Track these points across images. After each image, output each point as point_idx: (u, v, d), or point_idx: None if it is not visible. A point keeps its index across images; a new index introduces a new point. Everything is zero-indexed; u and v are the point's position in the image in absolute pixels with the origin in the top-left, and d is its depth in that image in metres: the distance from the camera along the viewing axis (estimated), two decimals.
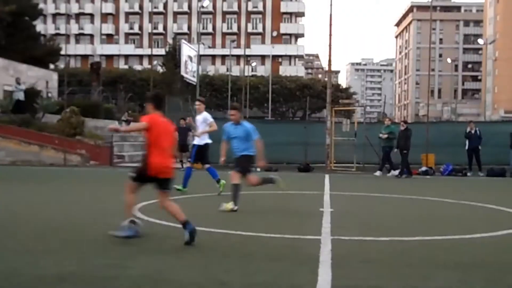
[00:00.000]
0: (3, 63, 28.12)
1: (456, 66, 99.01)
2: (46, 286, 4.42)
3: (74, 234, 6.61)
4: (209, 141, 11.56)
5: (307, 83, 64.92)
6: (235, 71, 65.14)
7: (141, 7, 78.16)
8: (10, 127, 23.23)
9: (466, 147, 19.73)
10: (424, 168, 19.86)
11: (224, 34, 76.72)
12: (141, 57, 76.66)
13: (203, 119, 11.40)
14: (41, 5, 41.19)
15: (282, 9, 77.46)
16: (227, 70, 58.33)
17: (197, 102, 12.22)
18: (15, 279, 4.53)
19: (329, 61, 23.82)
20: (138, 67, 66.86)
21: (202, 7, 52.76)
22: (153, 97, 6.50)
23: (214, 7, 75.76)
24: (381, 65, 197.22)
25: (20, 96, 25.63)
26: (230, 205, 8.72)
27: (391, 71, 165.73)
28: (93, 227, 7.05)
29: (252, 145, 9.06)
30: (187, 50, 41.01)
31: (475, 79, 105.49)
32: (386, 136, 18.77)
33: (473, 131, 19.70)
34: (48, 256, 5.39)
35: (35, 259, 5.24)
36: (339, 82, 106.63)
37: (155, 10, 72.27)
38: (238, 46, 69.14)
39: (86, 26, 79.56)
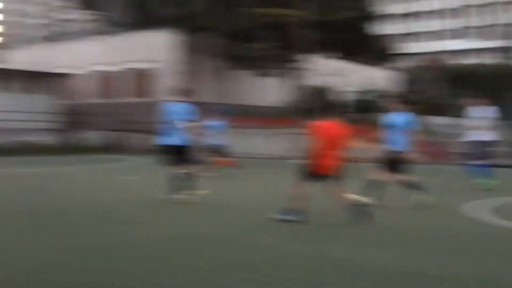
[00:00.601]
0: (350, 66, 29.71)
1: None
2: None
3: None
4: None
5: None
6: None
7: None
8: (359, 127, 24.41)
9: None
10: None
11: None
12: (487, 50, 72.20)
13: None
14: (384, 8, 42.23)
15: None
16: None
17: None
18: None
19: None
20: (485, 61, 63.08)
21: None
22: (325, 104, 6.90)
23: None
24: None
25: (360, 96, 26.77)
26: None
27: None
28: None
29: None
30: None
31: None
32: None
33: None
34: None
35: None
36: None
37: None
38: None
39: (429, 24, 78.85)
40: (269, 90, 35.42)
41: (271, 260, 5.40)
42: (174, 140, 9.48)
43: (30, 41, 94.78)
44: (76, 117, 31.26)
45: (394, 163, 8.94)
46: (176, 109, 9.74)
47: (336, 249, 5.95)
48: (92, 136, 31.12)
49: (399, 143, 8.94)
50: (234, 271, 4.96)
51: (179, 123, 9.49)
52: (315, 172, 7.26)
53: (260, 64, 31.67)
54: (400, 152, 8.91)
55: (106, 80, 34.40)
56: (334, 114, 7.49)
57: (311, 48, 29.65)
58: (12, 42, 74.83)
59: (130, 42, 32.08)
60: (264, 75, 32.12)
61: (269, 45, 31.30)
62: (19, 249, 5.74)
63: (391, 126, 9.12)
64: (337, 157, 7.37)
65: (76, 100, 34.17)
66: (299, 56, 30.63)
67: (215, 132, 15.11)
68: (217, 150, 15.03)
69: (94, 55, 32.42)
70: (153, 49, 31.55)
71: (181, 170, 9.50)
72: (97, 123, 32.97)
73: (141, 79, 33.53)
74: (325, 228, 7.30)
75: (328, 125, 7.34)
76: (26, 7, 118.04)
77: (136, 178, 14.85)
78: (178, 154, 9.48)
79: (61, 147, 28.10)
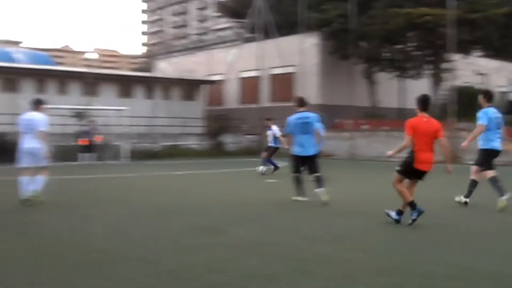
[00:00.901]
0: (497, 64, 28.12)
1: None
2: None
3: None
4: None
5: None
6: None
7: None
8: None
9: None
10: None
11: None
12: None
13: None
14: None
15: None
16: None
17: None
18: None
19: None
20: None
21: None
22: (418, 99, 7.70)
23: None
24: None
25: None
26: None
27: None
28: None
29: None
30: None
31: None
32: None
33: None
34: None
35: None
36: None
37: None
38: None
39: None
40: (411, 91, 34.43)
41: (409, 264, 5.34)
42: (308, 150, 10.02)
43: (174, 50, 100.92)
44: (221, 122, 32.73)
45: None
46: (303, 120, 10.17)
47: (476, 257, 5.72)
48: (237, 140, 32.39)
49: None
50: (377, 275, 4.98)
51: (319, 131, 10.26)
52: (414, 169, 7.44)
53: (404, 65, 30.93)
54: None
55: (248, 86, 35.64)
56: (427, 110, 7.63)
57: (458, 47, 28.35)
58: (157, 51, 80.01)
59: (271, 47, 32.91)
60: (408, 76, 31.30)
61: (413, 45, 30.47)
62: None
63: None
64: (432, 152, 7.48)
65: (221, 106, 35.80)
66: (445, 56, 29.45)
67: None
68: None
69: (236, 62, 33.73)
70: (293, 54, 32.10)
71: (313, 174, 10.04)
72: (241, 128, 34.28)
73: (281, 83, 34.29)
74: (447, 231, 7.05)
75: (420, 121, 7.49)
76: (168, 18, 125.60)
77: (276, 181, 15.25)
78: (309, 163, 10.07)
79: (209, 150, 29.59)
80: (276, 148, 17.56)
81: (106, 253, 5.84)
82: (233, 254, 5.83)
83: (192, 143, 30.72)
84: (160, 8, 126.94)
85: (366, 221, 8.06)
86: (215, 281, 4.78)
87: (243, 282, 4.78)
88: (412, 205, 7.41)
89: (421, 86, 32.76)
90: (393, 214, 7.62)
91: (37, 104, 10.06)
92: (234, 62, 33.73)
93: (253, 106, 32.70)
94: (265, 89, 34.21)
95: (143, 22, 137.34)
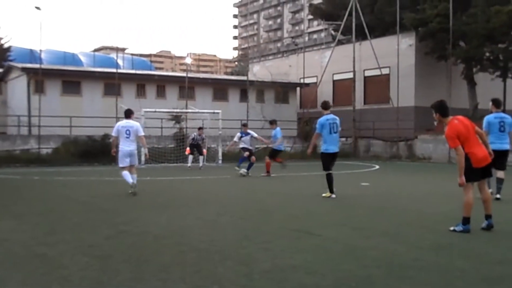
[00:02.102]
0: None
1: None
2: None
3: None
4: None
5: None
6: None
7: None
8: None
9: None
10: None
11: None
12: None
13: None
14: None
15: None
16: None
17: None
18: None
19: None
20: None
21: None
22: (437, 107, 7.30)
23: None
24: None
25: None
26: None
27: None
28: None
29: None
30: None
31: None
32: None
33: None
34: None
35: None
36: None
37: None
38: None
39: None
40: None
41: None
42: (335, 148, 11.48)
43: (267, 53, 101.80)
44: (312, 125, 32.60)
45: None
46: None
47: None
48: None
49: None
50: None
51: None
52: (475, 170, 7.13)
53: (507, 65, 29.38)
54: None
55: (341, 88, 35.29)
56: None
57: None
58: (251, 55, 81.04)
59: (365, 49, 32.40)
60: (510, 76, 29.71)
61: None
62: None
63: None
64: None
65: (314, 108, 35.69)
66: None
67: None
68: None
69: (330, 64, 33.48)
70: (388, 55, 31.43)
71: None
72: None
73: (375, 85, 33.66)
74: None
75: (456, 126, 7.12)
76: (260, 21, 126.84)
77: (368, 184, 14.99)
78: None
79: (302, 153, 29.58)
80: (279, 151, 18.44)
81: (201, 252, 5.98)
82: (327, 257, 5.78)
83: (285, 145, 30.83)
84: (254, 12, 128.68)
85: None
86: (308, 283, 4.76)
87: (336, 285, 4.72)
88: (466, 220, 7.17)
89: None
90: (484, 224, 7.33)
91: (130, 114, 11.96)
92: (327, 65, 33.51)
93: (347, 108, 32.34)
94: (359, 91, 33.72)
95: (235, 26, 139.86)
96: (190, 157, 21.77)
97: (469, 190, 7.17)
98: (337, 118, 11.47)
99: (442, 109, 7.30)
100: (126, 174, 11.49)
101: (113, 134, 11.92)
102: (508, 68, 29.45)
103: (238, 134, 19.04)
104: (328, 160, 11.34)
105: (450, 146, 7.14)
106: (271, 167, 17.71)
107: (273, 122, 18.67)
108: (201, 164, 21.61)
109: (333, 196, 11.12)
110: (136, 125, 11.87)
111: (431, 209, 9.71)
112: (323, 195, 11.24)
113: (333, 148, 11.36)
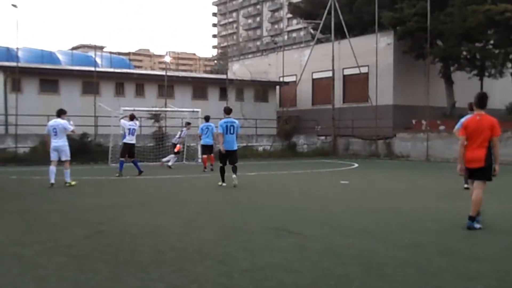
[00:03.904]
0: None
1: None
2: None
3: None
4: None
5: None
6: None
7: None
8: None
9: None
10: None
11: None
12: None
13: None
14: None
15: None
16: None
17: None
18: None
19: None
20: None
21: None
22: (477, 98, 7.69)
23: None
24: None
25: None
26: None
27: None
28: None
29: None
30: None
31: None
32: None
33: None
34: None
35: None
36: None
37: None
38: None
39: None
40: (492, 91, 33.12)
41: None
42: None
43: (247, 52, 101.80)
44: (293, 123, 32.71)
45: None
46: None
47: None
48: (310, 141, 32.29)
49: None
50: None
51: None
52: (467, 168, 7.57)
53: (484, 64, 29.77)
54: None
55: (321, 87, 35.44)
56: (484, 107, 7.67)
57: None
58: (230, 54, 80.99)
59: (344, 48, 32.58)
60: (488, 75, 30.11)
61: (494, 43, 29.30)
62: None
63: None
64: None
65: (294, 107, 35.78)
66: None
67: None
68: None
69: (308, 63, 33.58)
70: (367, 54, 31.63)
71: None
72: (314, 129, 34.14)
73: (354, 84, 33.86)
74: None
75: (473, 119, 7.59)
76: (239, 20, 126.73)
77: (347, 182, 15.09)
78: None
79: (281, 151, 29.68)
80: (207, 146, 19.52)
81: (180, 251, 5.96)
82: (306, 256, 5.80)
83: (265, 144, 30.87)
84: (233, 11, 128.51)
85: (443, 224, 7.81)
86: (287, 282, 4.77)
87: (315, 283, 4.74)
88: (472, 218, 7.32)
89: (502, 85, 31.46)
90: (477, 226, 7.34)
91: (60, 114, 13.57)
92: (306, 63, 33.62)
93: (326, 107, 32.48)
94: (338, 90, 33.89)
95: (214, 25, 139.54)
96: (171, 156, 21.59)
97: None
98: (235, 121, 13.27)
99: (476, 100, 7.73)
100: (51, 170, 12.98)
101: (45, 132, 13.66)
102: (484, 67, 29.84)
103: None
104: (224, 156, 13.19)
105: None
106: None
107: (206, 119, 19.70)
108: (170, 162, 21.30)
109: (224, 184, 13.18)
110: (62, 123, 13.25)
111: (408, 207, 9.80)
112: (218, 183, 13.31)
113: (229, 146, 13.03)
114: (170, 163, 21.16)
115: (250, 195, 11.95)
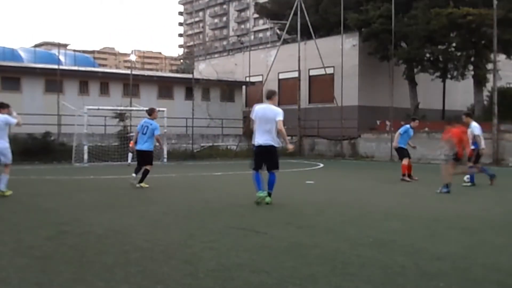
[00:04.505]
0: None
1: None
2: None
3: None
4: None
5: None
6: None
7: None
8: None
9: None
10: None
11: None
12: None
13: None
14: None
15: None
16: None
17: None
18: None
19: None
20: None
21: None
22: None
23: None
24: None
25: None
26: None
27: None
28: None
29: None
30: None
31: None
32: None
33: None
34: None
35: None
36: None
37: None
38: None
39: None
40: (454, 93, 33.82)
41: None
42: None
43: (213, 51, 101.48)
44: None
45: None
46: None
47: None
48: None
49: None
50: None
51: None
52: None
53: (446, 66, 30.38)
54: None
55: (287, 87, 35.60)
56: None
57: (502, 47, 27.66)
58: (197, 53, 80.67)
59: (309, 48, 32.80)
60: (450, 77, 30.75)
61: (456, 46, 29.92)
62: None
63: None
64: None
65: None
66: (489, 57, 28.79)
67: None
68: None
69: (274, 63, 33.72)
70: (332, 55, 31.92)
71: None
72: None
73: (320, 85, 34.13)
74: None
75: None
76: (205, 19, 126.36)
77: (313, 182, 15.21)
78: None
79: (247, 151, 29.69)
80: None
81: (145, 252, 5.91)
82: (272, 255, 5.82)
83: (231, 144, 30.86)
84: (199, 10, 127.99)
85: (407, 223, 7.94)
86: (253, 281, 4.78)
87: (281, 283, 4.76)
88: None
89: (464, 87, 32.16)
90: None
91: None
92: (273, 63, 33.74)
93: (292, 107, 32.69)
94: (304, 90, 34.11)
95: (180, 24, 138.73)
96: (130, 155, 21.55)
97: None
98: (151, 123, 13.46)
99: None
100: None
101: None
102: (447, 69, 30.46)
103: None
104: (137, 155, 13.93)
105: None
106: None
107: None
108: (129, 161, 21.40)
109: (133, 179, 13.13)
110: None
111: (373, 206, 9.93)
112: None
113: (140, 146, 13.49)
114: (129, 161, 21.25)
115: (216, 195, 11.93)
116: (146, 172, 13.24)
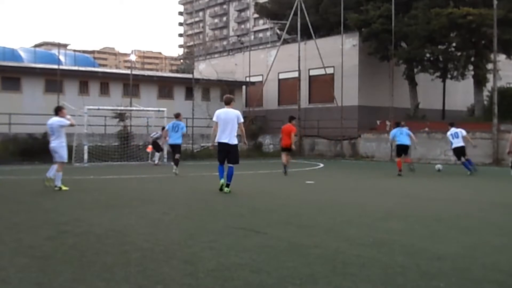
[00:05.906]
0: None
1: None
2: None
3: None
4: None
5: None
6: None
7: None
8: None
9: None
10: None
11: None
12: None
13: None
14: None
15: None
16: None
17: None
18: None
19: None
20: None
21: None
22: None
23: None
24: None
25: None
26: None
27: None
28: None
29: None
30: None
31: None
32: None
33: None
34: None
35: None
36: None
37: None
38: None
39: None
40: (454, 92, 33.81)
41: None
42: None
43: (213, 51, 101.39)
44: (260, 123, 32.75)
45: None
46: None
47: None
48: (276, 141, 32.39)
49: None
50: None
51: None
52: None
53: (446, 66, 30.37)
54: None
55: (287, 87, 35.61)
56: None
57: (502, 47, 27.66)
58: (197, 53, 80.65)
59: (310, 49, 32.80)
60: (450, 77, 30.74)
61: (456, 46, 29.92)
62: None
63: None
64: None
65: (260, 107, 35.84)
66: (489, 57, 28.79)
67: None
68: None
69: (274, 63, 33.72)
70: (332, 55, 31.92)
71: None
72: (277, 129, 34.25)
73: (320, 84, 34.12)
74: None
75: None
76: (205, 19, 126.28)
77: (313, 182, 15.20)
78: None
79: (247, 151, 29.67)
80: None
81: (145, 252, 5.90)
82: (272, 255, 5.81)
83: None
84: (199, 10, 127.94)
85: (407, 223, 7.94)
86: (253, 281, 4.78)
87: (281, 283, 4.76)
88: None
89: (464, 87, 32.15)
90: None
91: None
92: (273, 63, 33.73)
93: (292, 107, 32.67)
94: (304, 90, 34.10)
95: (180, 24, 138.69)
96: (157, 154, 22.74)
97: None
98: (179, 123, 17.40)
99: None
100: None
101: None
102: (447, 69, 30.45)
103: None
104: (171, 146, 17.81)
105: None
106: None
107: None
108: (156, 161, 22.38)
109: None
110: (57, 121, 12.07)
111: (373, 206, 9.93)
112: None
113: (174, 141, 17.44)
114: (156, 161, 22.31)
115: (216, 195, 11.91)
116: (177, 161, 17.07)
